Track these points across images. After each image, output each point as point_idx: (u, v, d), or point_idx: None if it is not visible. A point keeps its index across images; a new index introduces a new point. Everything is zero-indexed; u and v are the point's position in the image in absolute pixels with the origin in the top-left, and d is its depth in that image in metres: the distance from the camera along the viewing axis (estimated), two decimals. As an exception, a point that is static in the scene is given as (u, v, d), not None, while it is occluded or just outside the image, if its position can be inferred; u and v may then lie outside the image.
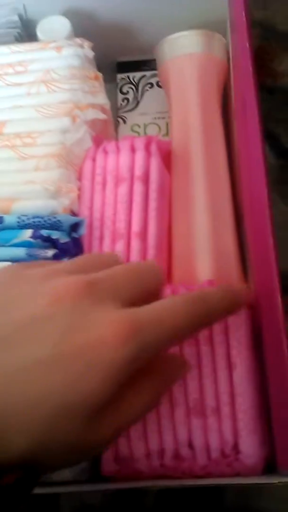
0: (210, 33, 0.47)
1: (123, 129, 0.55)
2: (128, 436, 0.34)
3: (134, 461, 0.34)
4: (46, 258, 0.35)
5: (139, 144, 0.41)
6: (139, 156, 0.40)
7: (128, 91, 0.56)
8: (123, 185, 0.39)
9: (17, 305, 0.23)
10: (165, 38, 0.48)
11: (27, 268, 0.26)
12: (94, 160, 0.41)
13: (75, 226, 0.38)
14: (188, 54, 0.46)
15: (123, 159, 0.40)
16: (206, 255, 0.40)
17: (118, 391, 0.23)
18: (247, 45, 0.40)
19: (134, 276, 0.27)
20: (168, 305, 0.26)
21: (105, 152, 0.41)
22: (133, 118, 0.55)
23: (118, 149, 0.41)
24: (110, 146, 0.41)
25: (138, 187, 0.39)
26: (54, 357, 0.22)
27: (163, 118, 0.54)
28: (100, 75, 0.45)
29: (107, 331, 0.23)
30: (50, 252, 0.35)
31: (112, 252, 0.31)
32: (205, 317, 0.27)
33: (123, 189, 0.39)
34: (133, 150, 0.41)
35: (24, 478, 0.22)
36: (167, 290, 0.36)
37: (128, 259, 0.38)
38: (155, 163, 0.41)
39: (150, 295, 0.27)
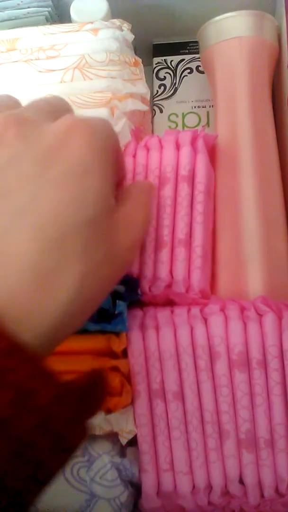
0: (260, 13, 0.43)
1: (159, 118, 0.51)
2: (173, 470, 0.31)
3: (179, 497, 0.31)
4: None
5: (185, 139, 0.36)
6: (185, 153, 0.36)
7: (165, 77, 0.52)
8: (166, 186, 0.35)
9: None
10: (211, 20, 0.43)
11: None
12: (134, 156, 0.37)
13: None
14: (237, 37, 0.42)
15: (166, 157, 0.36)
16: (256, 264, 0.36)
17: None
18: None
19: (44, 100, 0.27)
20: None
21: (147, 149, 0.37)
22: (171, 106, 0.51)
23: (161, 146, 0.37)
24: (152, 141, 0.37)
25: (183, 189, 0.35)
26: (37, 192, 0.21)
27: (204, 107, 0.50)
28: (139, 60, 0.41)
29: (62, 133, 0.23)
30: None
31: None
32: None
33: (166, 192, 0.35)
34: (177, 146, 0.37)
35: None
36: (215, 307, 0.32)
37: (171, 270, 0.34)
38: (202, 161, 0.36)
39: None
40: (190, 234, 0.35)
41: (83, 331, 0.31)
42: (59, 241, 0.21)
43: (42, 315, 0.20)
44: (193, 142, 0.37)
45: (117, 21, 0.42)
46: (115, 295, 0.32)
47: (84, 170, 0.22)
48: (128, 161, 0.37)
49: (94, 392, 0.21)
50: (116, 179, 0.26)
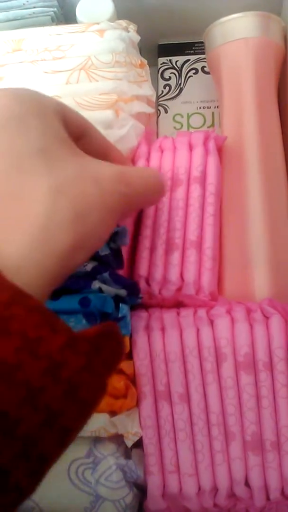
0: (267, 14, 0.43)
1: (164, 119, 0.50)
2: (178, 472, 0.31)
3: (184, 499, 0.31)
4: (86, 272, 0.32)
5: (197, 140, 0.36)
6: (197, 154, 0.36)
7: (170, 77, 0.52)
8: (179, 188, 0.35)
9: None
10: (217, 21, 0.43)
11: None
12: (148, 160, 0.37)
13: (114, 236, 0.34)
14: (243, 38, 0.41)
15: (179, 159, 0.36)
16: (262, 265, 0.36)
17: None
18: None
19: None
20: None
21: (161, 150, 0.37)
22: (175, 107, 0.51)
23: (174, 147, 0.37)
24: (166, 143, 0.37)
25: (195, 190, 0.35)
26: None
27: (209, 107, 0.50)
28: (145, 62, 0.41)
29: None
30: (90, 266, 0.32)
31: None
32: None
33: (179, 194, 0.35)
34: (190, 147, 0.36)
35: None
36: (221, 309, 0.32)
37: (182, 272, 0.34)
38: (212, 162, 0.36)
39: None
40: (201, 236, 0.35)
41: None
42: (18, 165, 0.22)
43: (20, 228, 0.21)
44: (205, 143, 0.37)
45: (123, 22, 0.41)
46: (117, 299, 0.32)
47: (17, 116, 0.24)
48: (142, 165, 0.37)
49: (108, 343, 0.21)
50: (63, 118, 0.27)
